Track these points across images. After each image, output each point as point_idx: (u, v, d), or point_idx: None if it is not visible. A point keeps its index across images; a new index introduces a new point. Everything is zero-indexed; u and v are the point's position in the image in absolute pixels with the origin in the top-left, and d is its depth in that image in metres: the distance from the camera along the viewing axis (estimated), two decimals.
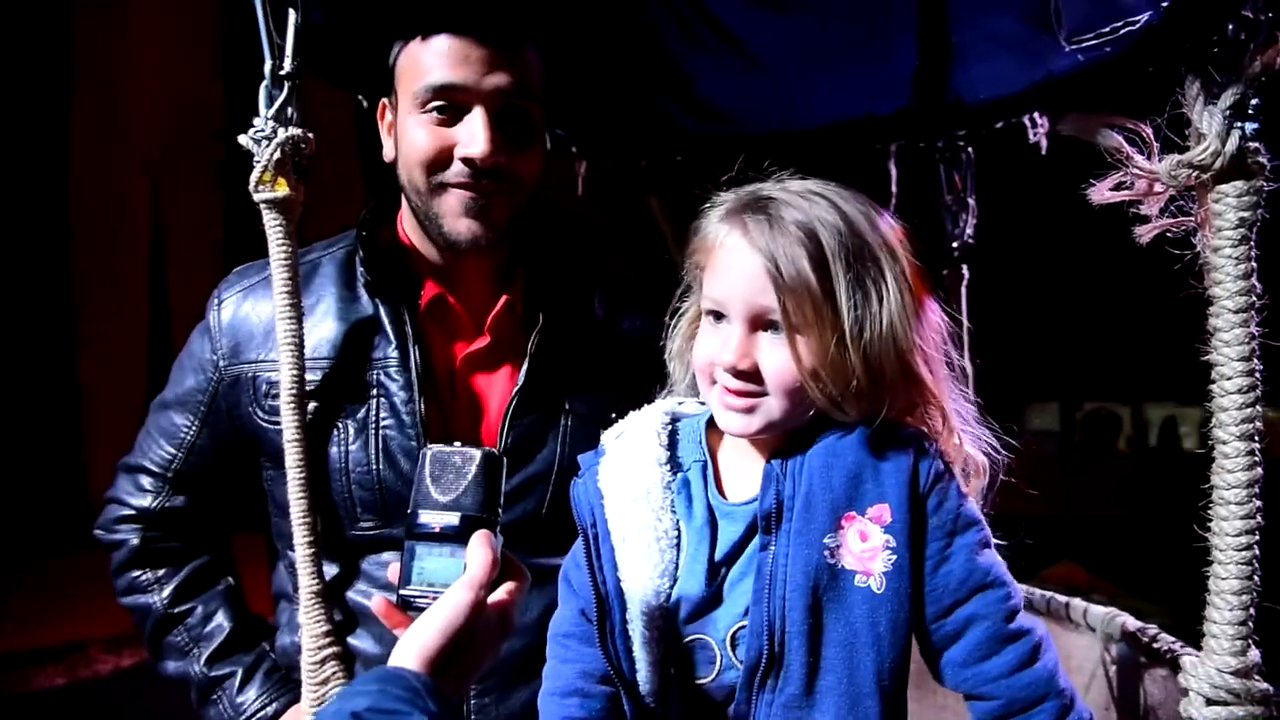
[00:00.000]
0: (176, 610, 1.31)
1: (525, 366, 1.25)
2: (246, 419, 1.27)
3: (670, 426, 1.05)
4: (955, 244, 1.70)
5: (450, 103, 1.17)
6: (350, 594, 1.23)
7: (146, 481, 1.33)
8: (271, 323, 1.22)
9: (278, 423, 1.18)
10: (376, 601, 0.89)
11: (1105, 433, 6.66)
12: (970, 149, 1.70)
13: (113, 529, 1.34)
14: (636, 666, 0.97)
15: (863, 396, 0.93)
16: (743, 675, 0.94)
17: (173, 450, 1.32)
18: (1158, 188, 0.85)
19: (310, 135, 0.96)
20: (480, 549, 0.86)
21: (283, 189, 0.94)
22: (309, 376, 1.20)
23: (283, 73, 0.94)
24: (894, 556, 0.91)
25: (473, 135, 1.16)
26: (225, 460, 1.32)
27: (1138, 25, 1.18)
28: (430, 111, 1.18)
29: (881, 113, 1.73)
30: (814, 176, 0.99)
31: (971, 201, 1.69)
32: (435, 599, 0.84)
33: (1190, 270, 0.89)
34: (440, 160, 1.19)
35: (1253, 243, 0.79)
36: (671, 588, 0.97)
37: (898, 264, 0.94)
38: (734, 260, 0.94)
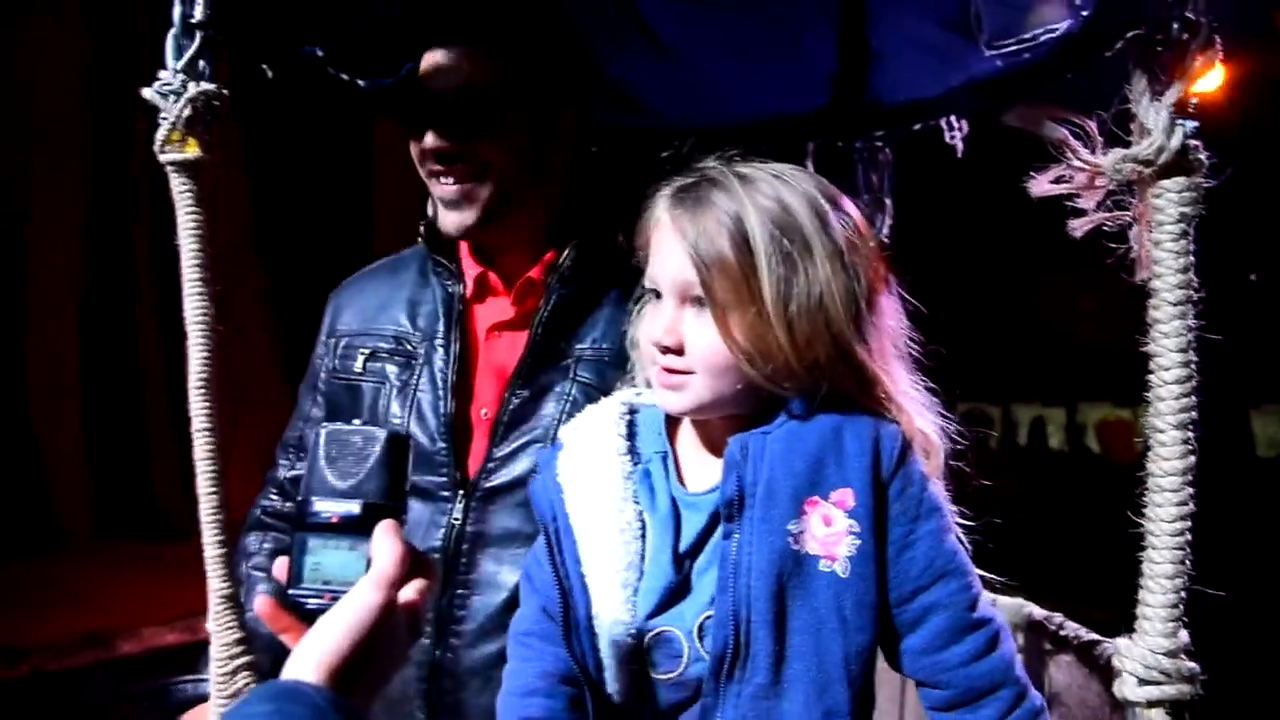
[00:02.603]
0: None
1: (529, 334, 1.33)
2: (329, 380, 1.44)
3: (628, 417, 1.03)
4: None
5: (420, 101, 1.29)
6: None
7: (281, 454, 1.50)
8: (366, 296, 1.45)
9: (345, 377, 1.38)
10: (259, 602, 0.79)
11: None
12: (888, 149, 1.73)
13: (256, 502, 1.50)
14: (603, 663, 0.94)
15: (795, 374, 0.93)
16: (709, 666, 0.91)
17: (299, 423, 1.48)
18: (1099, 181, 0.87)
19: (225, 92, 0.87)
20: (388, 541, 0.75)
21: (193, 150, 0.85)
22: (380, 345, 1.39)
23: (194, 20, 0.85)
24: (858, 541, 0.90)
25: (431, 127, 1.27)
26: None
27: (1057, 33, 1.22)
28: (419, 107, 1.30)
29: (799, 111, 1.74)
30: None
31: (889, 202, 1.72)
32: (333, 599, 0.73)
33: (1121, 264, 0.92)
34: (419, 156, 1.32)
35: (1191, 238, 0.82)
36: (638, 580, 0.94)
37: (833, 243, 0.93)
38: (663, 239, 0.96)
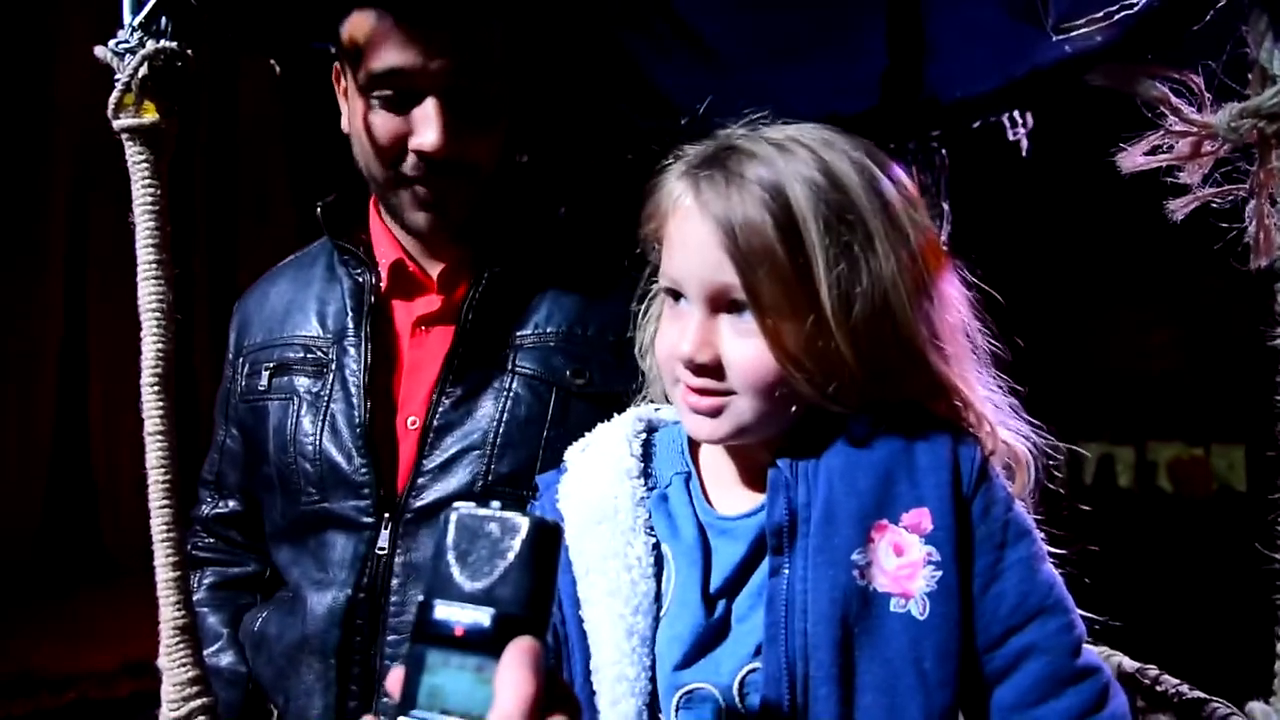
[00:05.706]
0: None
1: (457, 326, 1.17)
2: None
3: (644, 435, 0.89)
4: None
5: (399, 89, 1.10)
6: (294, 572, 1.20)
7: (203, 492, 1.38)
8: (271, 302, 1.29)
9: (251, 398, 1.24)
10: None
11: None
12: (944, 150, 1.60)
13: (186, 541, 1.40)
14: None
15: (856, 386, 0.78)
16: None
17: (214, 456, 1.36)
18: (1207, 147, 0.73)
19: (189, 52, 0.78)
20: (517, 674, 0.57)
21: (150, 115, 0.76)
22: (288, 355, 1.24)
23: None
24: (939, 573, 0.75)
25: (425, 125, 1.10)
26: (255, 461, 1.29)
27: (1135, 8, 1.10)
28: (379, 97, 1.11)
29: (848, 112, 1.64)
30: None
31: (946, 206, 1.58)
32: None
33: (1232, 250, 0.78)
34: (393, 150, 1.13)
35: None
36: (653, 628, 0.79)
37: (896, 228, 0.78)
38: (686, 229, 0.80)
